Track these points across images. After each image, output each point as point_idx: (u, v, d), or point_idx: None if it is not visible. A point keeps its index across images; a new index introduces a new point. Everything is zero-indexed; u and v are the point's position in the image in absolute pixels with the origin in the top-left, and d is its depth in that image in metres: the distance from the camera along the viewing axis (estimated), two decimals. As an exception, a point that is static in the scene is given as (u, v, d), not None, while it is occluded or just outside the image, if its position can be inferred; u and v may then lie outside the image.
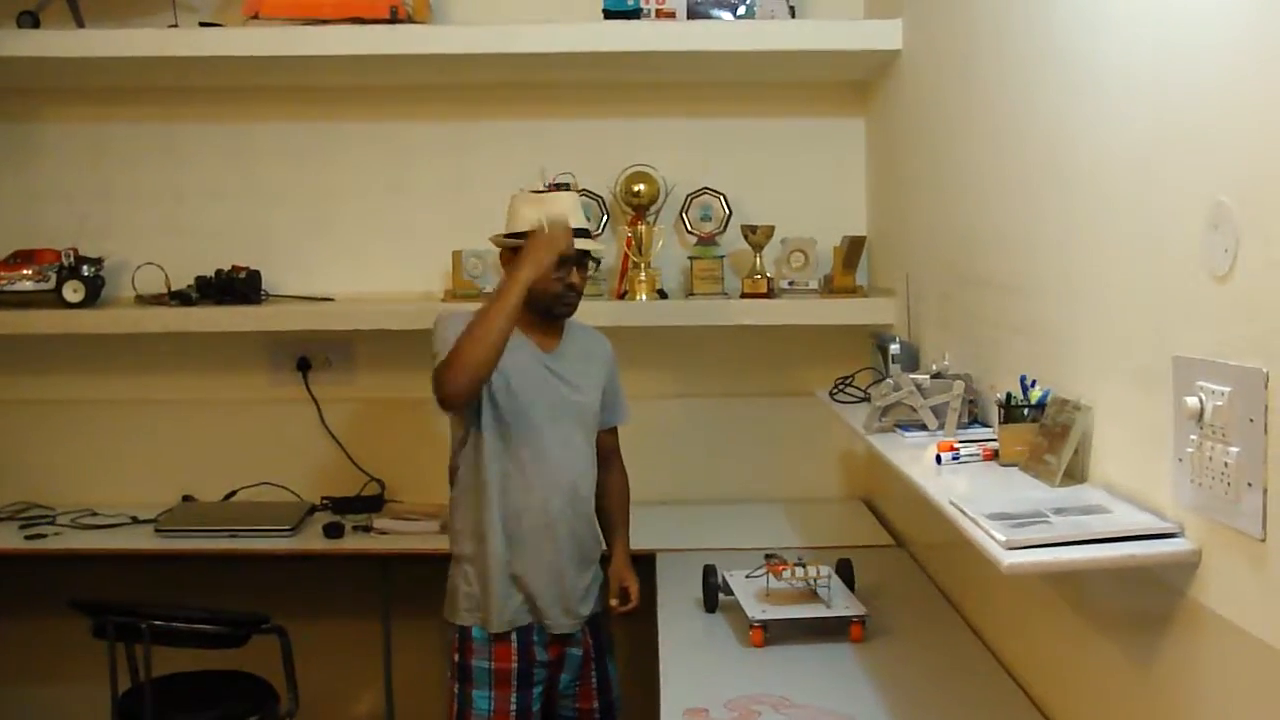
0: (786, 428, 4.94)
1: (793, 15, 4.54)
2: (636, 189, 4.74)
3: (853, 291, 4.61)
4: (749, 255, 4.70)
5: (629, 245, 4.68)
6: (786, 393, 4.89)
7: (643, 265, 4.65)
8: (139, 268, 4.73)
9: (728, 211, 4.81)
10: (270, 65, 4.38)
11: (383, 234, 4.89)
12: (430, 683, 4.84)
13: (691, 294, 4.71)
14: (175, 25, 4.39)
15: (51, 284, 4.58)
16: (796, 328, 4.67)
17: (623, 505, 3.88)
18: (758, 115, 4.88)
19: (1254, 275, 1.82)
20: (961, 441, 2.90)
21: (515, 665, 3.53)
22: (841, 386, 4.05)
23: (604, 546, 3.80)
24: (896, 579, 3.95)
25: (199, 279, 4.68)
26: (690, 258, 4.75)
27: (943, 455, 2.84)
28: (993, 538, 2.15)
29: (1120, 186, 2.32)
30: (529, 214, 3.55)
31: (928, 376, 3.22)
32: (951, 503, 2.43)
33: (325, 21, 4.28)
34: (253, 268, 4.71)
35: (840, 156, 4.88)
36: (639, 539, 3.91)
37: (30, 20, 4.30)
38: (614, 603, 3.73)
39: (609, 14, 4.44)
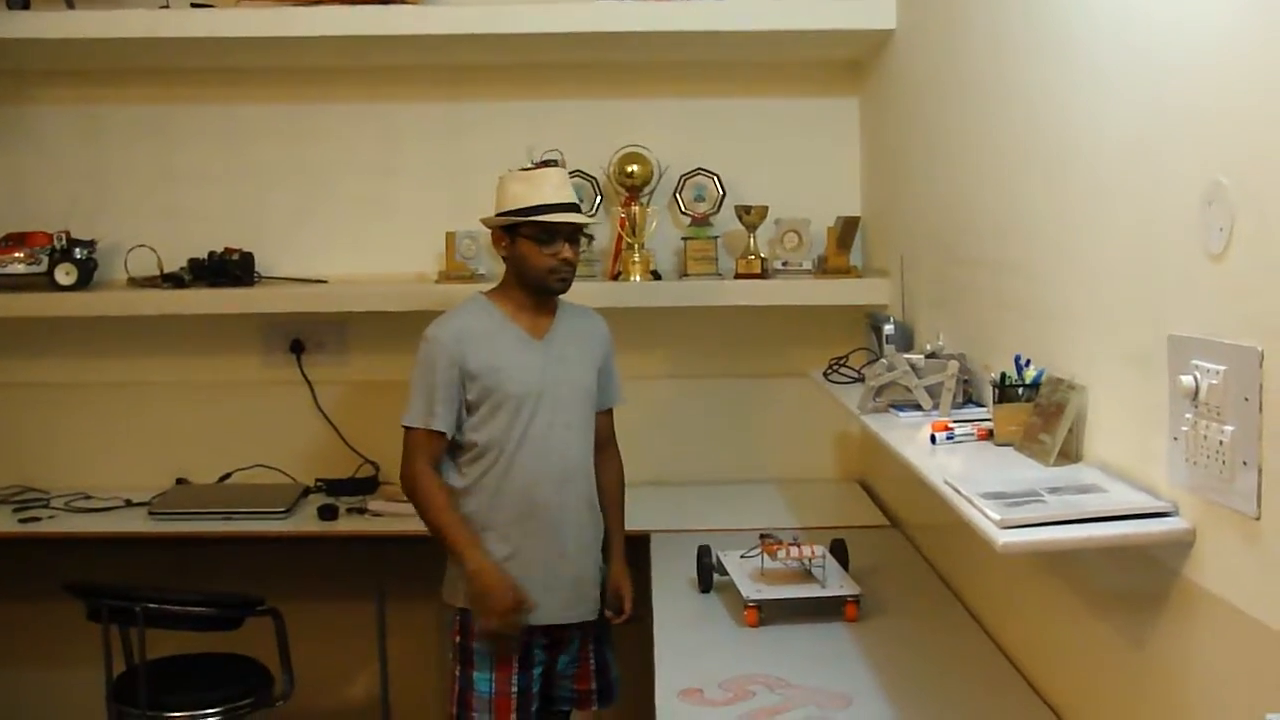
0: (781, 408, 4.94)
1: (786, -6, 4.54)
2: (630, 170, 4.73)
3: (847, 272, 4.60)
4: (743, 236, 4.69)
5: (623, 226, 4.67)
6: (781, 373, 4.89)
7: (636, 246, 4.64)
8: (131, 250, 4.72)
9: (721, 192, 4.80)
10: (262, 46, 4.36)
11: (376, 215, 4.88)
12: (425, 664, 4.85)
13: (685, 275, 4.70)
14: (166, 6, 4.36)
15: (43, 267, 4.57)
16: (790, 308, 4.67)
17: (617, 498, 3.85)
18: (752, 95, 4.87)
19: (1249, 254, 1.82)
20: (956, 421, 2.90)
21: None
22: (836, 367, 4.05)
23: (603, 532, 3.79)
24: (891, 559, 3.95)
25: (192, 261, 4.67)
26: (684, 238, 4.75)
27: (937, 435, 2.84)
28: (987, 517, 2.15)
29: (1115, 165, 2.32)
30: (516, 190, 3.54)
31: (922, 356, 3.22)
32: (946, 482, 2.43)
33: (316, 2, 4.27)
34: (245, 250, 4.70)
35: (834, 136, 4.87)
36: (633, 519, 3.91)
37: (20, 1, 4.28)
38: (608, 614, 3.74)
39: (601, -7, 4.43)
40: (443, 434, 3.52)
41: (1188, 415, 1.97)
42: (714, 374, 4.97)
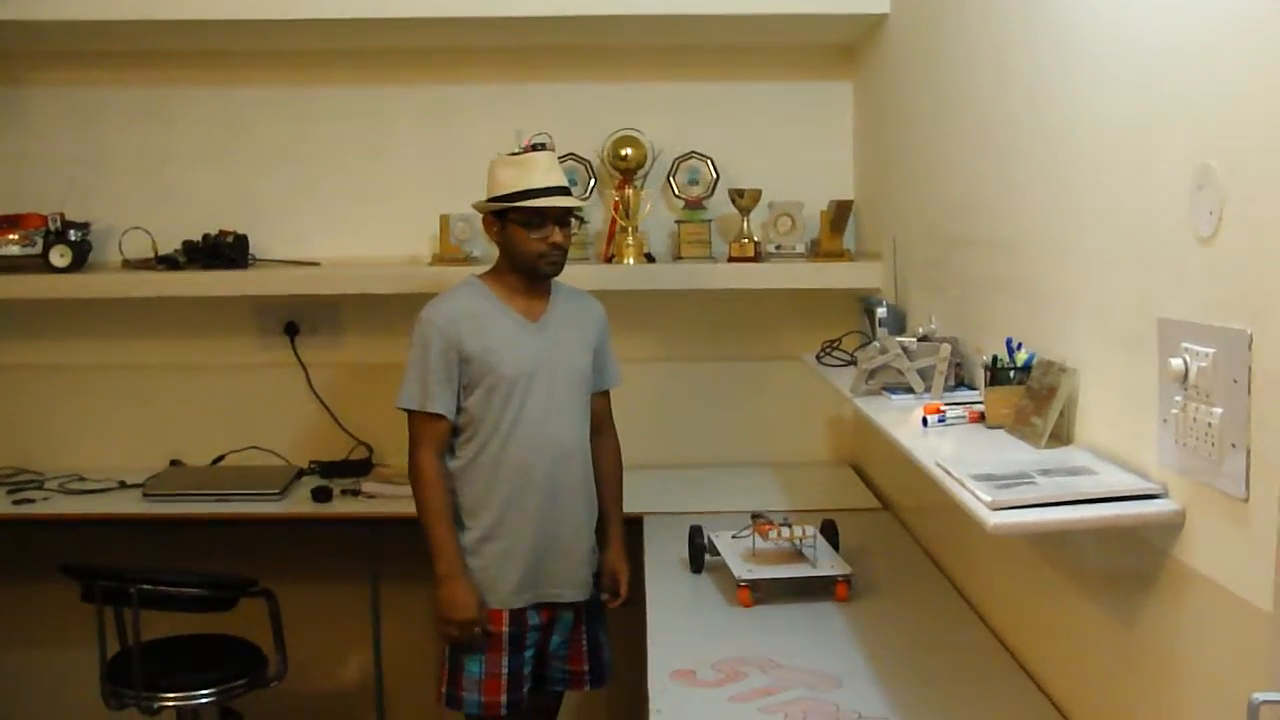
0: (773, 391, 4.95)
1: (780, -22, 4.54)
2: (624, 153, 4.74)
3: (840, 255, 4.61)
4: (736, 219, 4.70)
5: (616, 209, 4.68)
6: (773, 356, 4.90)
7: (630, 229, 4.65)
8: (126, 232, 4.72)
9: (715, 175, 4.81)
10: (255, 29, 4.36)
11: (370, 198, 4.88)
12: (418, 645, 4.86)
13: (679, 258, 4.71)
14: (160, -13, 4.36)
15: (38, 249, 4.57)
16: (783, 291, 4.68)
17: (615, 480, 3.88)
18: (745, 79, 4.88)
19: (1238, 237, 1.83)
20: (948, 404, 2.91)
21: (506, 629, 3.56)
22: (828, 350, 4.06)
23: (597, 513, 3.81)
24: (882, 540, 3.97)
25: (186, 243, 4.67)
26: (677, 221, 4.76)
27: (929, 418, 2.85)
28: (978, 498, 2.16)
29: (1106, 150, 2.33)
30: (505, 176, 3.55)
31: (914, 340, 3.23)
32: (938, 464, 2.44)
33: (311, -16, 4.27)
34: (240, 232, 4.70)
35: (828, 120, 4.88)
36: (627, 502, 3.93)
37: (14, -17, 4.28)
38: (605, 597, 3.76)
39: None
40: (442, 416, 3.53)
41: (1177, 398, 1.99)
42: (707, 357, 4.99)
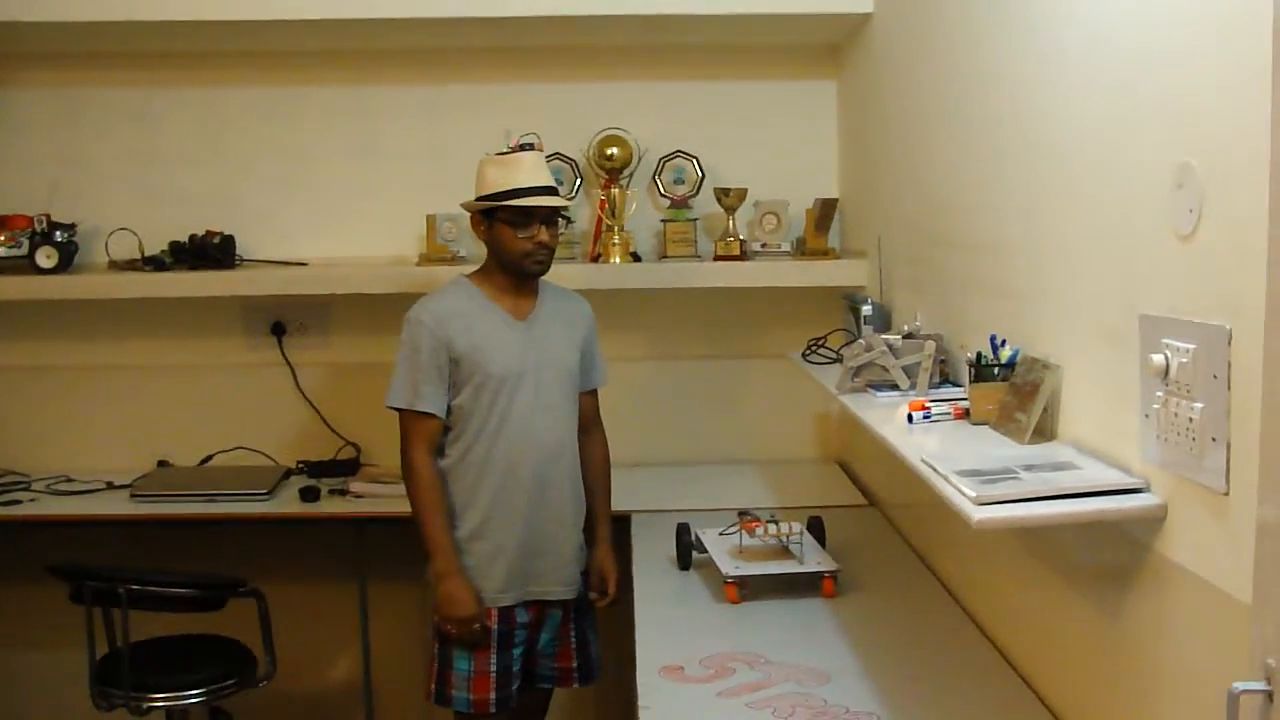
0: (760, 389, 4.97)
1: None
2: (610, 152, 4.75)
3: (825, 254, 4.63)
4: (722, 218, 4.72)
5: (602, 208, 4.69)
6: (759, 354, 4.92)
7: (616, 228, 4.67)
8: (112, 233, 4.72)
9: (700, 175, 4.82)
10: (242, 29, 4.36)
11: (357, 198, 4.89)
12: (407, 644, 4.88)
13: (665, 257, 4.73)
14: (146, -11, 4.36)
15: (24, 250, 4.57)
16: (769, 290, 4.70)
17: (603, 480, 3.89)
18: (730, 78, 4.89)
19: (1218, 234, 1.85)
20: (933, 401, 2.93)
21: (496, 627, 3.57)
22: (814, 348, 4.08)
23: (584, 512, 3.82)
24: (869, 536, 3.99)
25: (173, 244, 4.68)
26: (663, 221, 4.78)
27: (914, 414, 2.88)
28: (963, 494, 2.18)
29: (1087, 148, 2.35)
30: (492, 175, 3.57)
31: (899, 337, 3.25)
32: (923, 460, 2.46)
33: (296, -15, 4.27)
34: (227, 232, 4.71)
35: (812, 119, 4.90)
36: (614, 500, 3.94)
37: (-1, -15, 4.28)
38: (593, 596, 3.78)
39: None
40: (433, 415, 3.54)
41: (1159, 393, 2.01)
42: (693, 355, 5.00)
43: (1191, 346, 1.90)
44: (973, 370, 2.79)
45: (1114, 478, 2.18)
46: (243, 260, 4.76)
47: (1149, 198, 2.05)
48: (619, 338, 4.67)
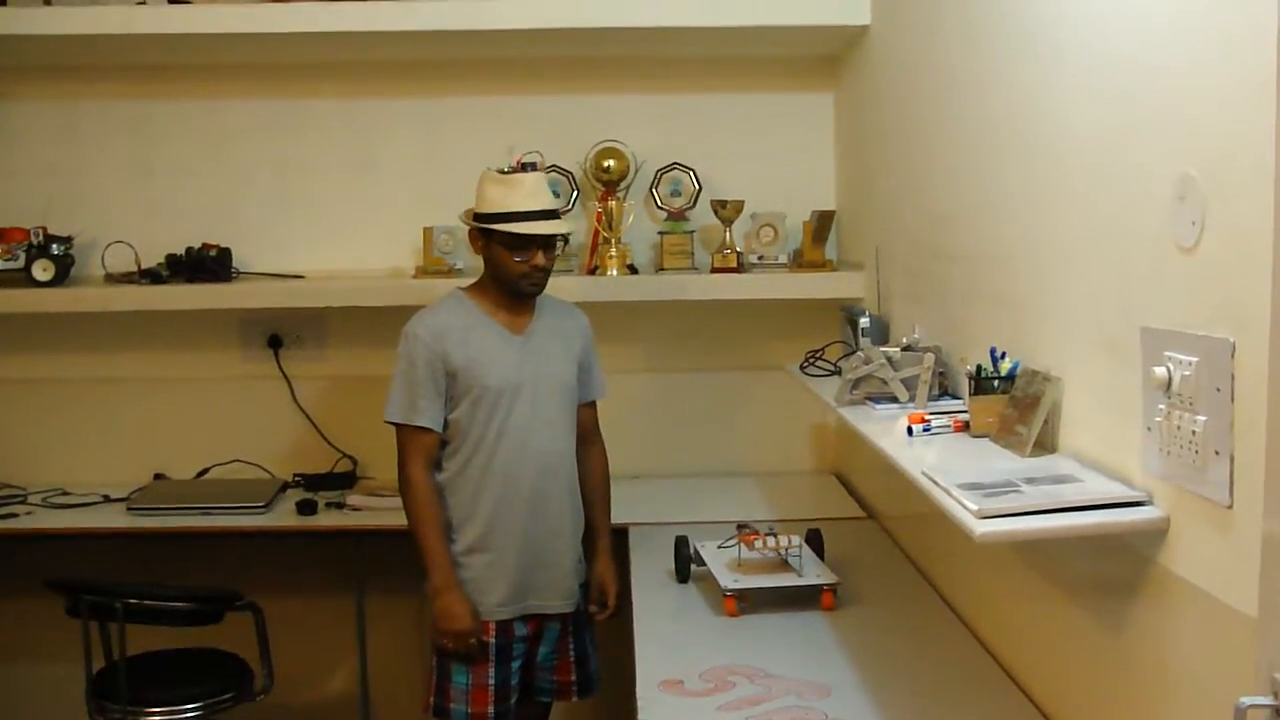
0: (757, 402, 4.97)
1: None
2: (606, 165, 4.75)
3: (822, 266, 4.62)
4: (719, 230, 4.72)
5: (599, 221, 4.69)
6: (757, 367, 4.92)
7: (613, 241, 4.66)
8: (109, 246, 4.71)
9: (697, 187, 4.82)
10: (239, 42, 4.37)
11: (354, 211, 4.89)
12: (405, 657, 4.87)
13: (661, 269, 4.72)
14: (143, 2, 4.36)
15: (20, 263, 4.56)
16: (766, 302, 4.70)
17: (602, 492, 3.88)
18: (728, 91, 4.89)
19: (1220, 247, 1.85)
20: (932, 413, 2.93)
21: (494, 640, 3.57)
22: (812, 360, 4.08)
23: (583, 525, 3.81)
24: (867, 549, 3.99)
25: (169, 257, 4.67)
26: (660, 233, 4.77)
27: (914, 427, 2.87)
28: (965, 507, 2.18)
29: (1088, 160, 2.35)
30: (492, 194, 3.55)
31: (898, 349, 3.25)
32: (923, 473, 2.45)
33: (294, -2, 4.28)
34: (223, 245, 4.71)
35: (809, 131, 4.90)
36: (613, 513, 3.93)
37: (-5, -2, 4.28)
38: (593, 609, 3.77)
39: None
40: (430, 429, 3.54)
41: (1161, 406, 2.01)
42: (690, 367, 5.00)
43: (1194, 359, 1.90)
44: (973, 383, 2.78)
45: (1116, 491, 2.17)
46: (239, 273, 4.75)
47: (1150, 209, 2.04)
48: (616, 350, 4.66)
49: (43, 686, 4.90)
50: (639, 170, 4.80)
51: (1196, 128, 1.91)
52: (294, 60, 4.74)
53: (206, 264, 4.63)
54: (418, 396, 3.53)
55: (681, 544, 3.70)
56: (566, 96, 4.87)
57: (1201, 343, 1.88)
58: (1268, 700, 1.65)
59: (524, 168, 3.62)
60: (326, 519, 4.46)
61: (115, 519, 4.46)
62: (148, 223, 4.80)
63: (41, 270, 4.55)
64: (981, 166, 3.04)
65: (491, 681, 3.56)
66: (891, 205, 4.00)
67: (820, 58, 4.84)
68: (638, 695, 2.90)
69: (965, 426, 2.83)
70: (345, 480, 4.79)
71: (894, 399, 3.20)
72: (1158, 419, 2.02)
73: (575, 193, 4.82)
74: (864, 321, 3.92)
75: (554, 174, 4.71)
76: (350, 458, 4.88)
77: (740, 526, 3.60)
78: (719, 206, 4.67)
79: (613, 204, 4.68)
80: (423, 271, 4.63)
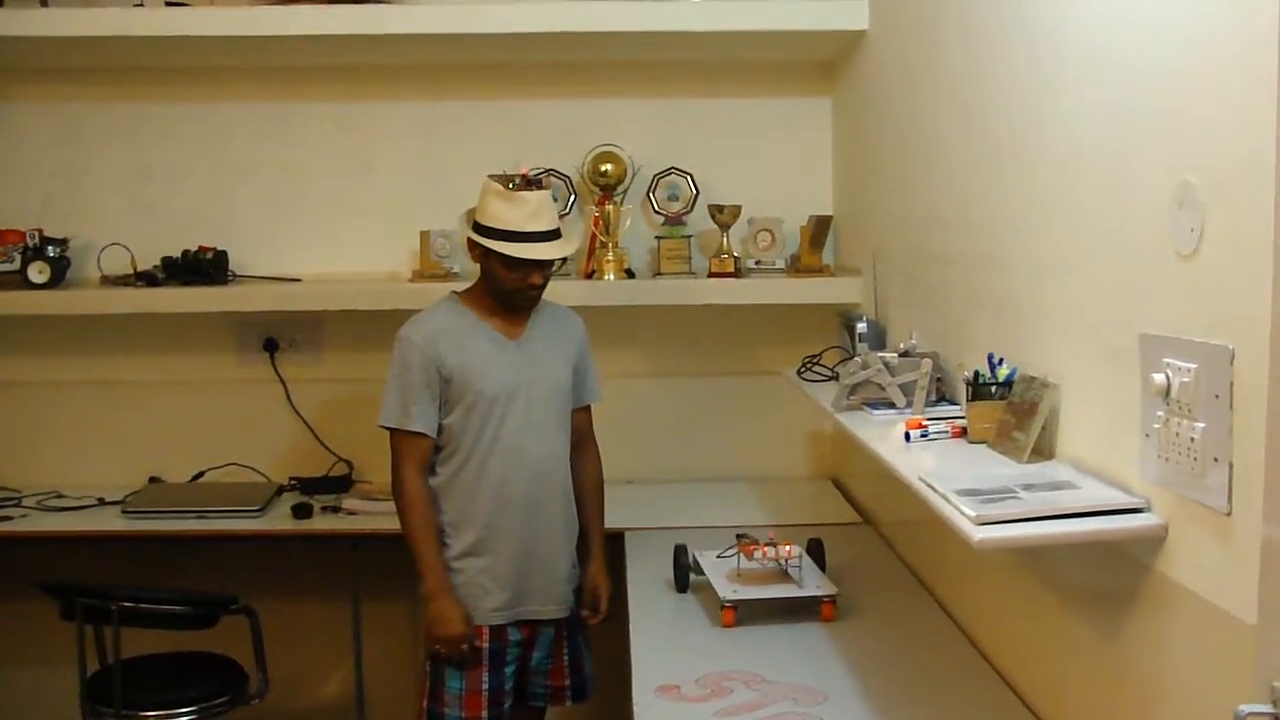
0: (754, 407, 4.96)
1: (760, -5, 4.56)
2: (604, 169, 4.75)
3: (819, 271, 4.63)
4: (716, 235, 4.72)
5: (596, 225, 4.69)
6: (754, 372, 4.91)
7: (610, 245, 4.66)
8: (105, 248, 4.71)
9: (695, 191, 4.82)
10: (237, 45, 4.36)
11: (350, 214, 4.88)
12: (399, 662, 4.86)
13: (659, 274, 4.72)
14: (141, 5, 4.35)
15: (16, 265, 4.56)
16: (763, 307, 4.70)
17: (597, 496, 3.87)
18: (725, 95, 4.89)
19: (1220, 254, 1.84)
20: (930, 419, 2.92)
21: (487, 646, 3.56)
22: (809, 365, 4.07)
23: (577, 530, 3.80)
24: (864, 555, 3.98)
25: (165, 259, 4.66)
26: (657, 237, 4.77)
27: (911, 433, 2.86)
28: (963, 513, 2.17)
29: (1087, 165, 2.35)
30: (494, 208, 3.52)
31: (895, 354, 3.25)
32: (921, 479, 2.45)
33: (292, 1, 4.26)
34: (219, 248, 4.70)
35: (807, 136, 4.90)
36: (608, 517, 3.91)
37: (-7, 0, 4.27)
38: (585, 613, 3.76)
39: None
40: (424, 434, 3.53)
41: (1159, 413, 2.00)
42: (687, 372, 4.99)
43: (1193, 366, 1.90)
44: (970, 388, 2.78)
45: (1114, 497, 2.17)
46: (235, 276, 4.74)
47: (1149, 216, 2.04)
48: (613, 355, 4.66)
49: (36, 690, 4.89)
50: (636, 174, 4.80)
51: (1196, 134, 1.91)
52: (291, 63, 4.74)
53: (202, 267, 4.62)
54: (411, 401, 3.53)
55: (680, 553, 3.67)
56: (564, 100, 4.87)
57: (1200, 349, 1.88)
58: (1266, 709, 1.64)
59: (529, 183, 3.59)
60: (322, 523, 4.45)
61: (110, 522, 4.45)
62: (144, 225, 4.80)
63: (37, 272, 4.54)
64: (980, 171, 3.04)
65: (485, 686, 3.55)
66: (889, 210, 4.00)
67: (818, 63, 4.84)
68: (634, 700, 2.89)
69: (963, 432, 2.83)
70: (340, 484, 4.77)
71: (891, 405, 3.20)
72: (1156, 425, 2.02)
73: (572, 197, 4.81)
74: (861, 327, 3.92)
75: (551, 177, 4.70)
76: (346, 461, 4.88)
77: (740, 536, 3.58)
78: (716, 211, 4.67)
79: (610, 208, 4.68)
80: (419, 275, 4.63)
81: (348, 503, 4.55)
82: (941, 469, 2.59)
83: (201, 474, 4.87)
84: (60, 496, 4.67)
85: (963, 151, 3.18)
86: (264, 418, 4.93)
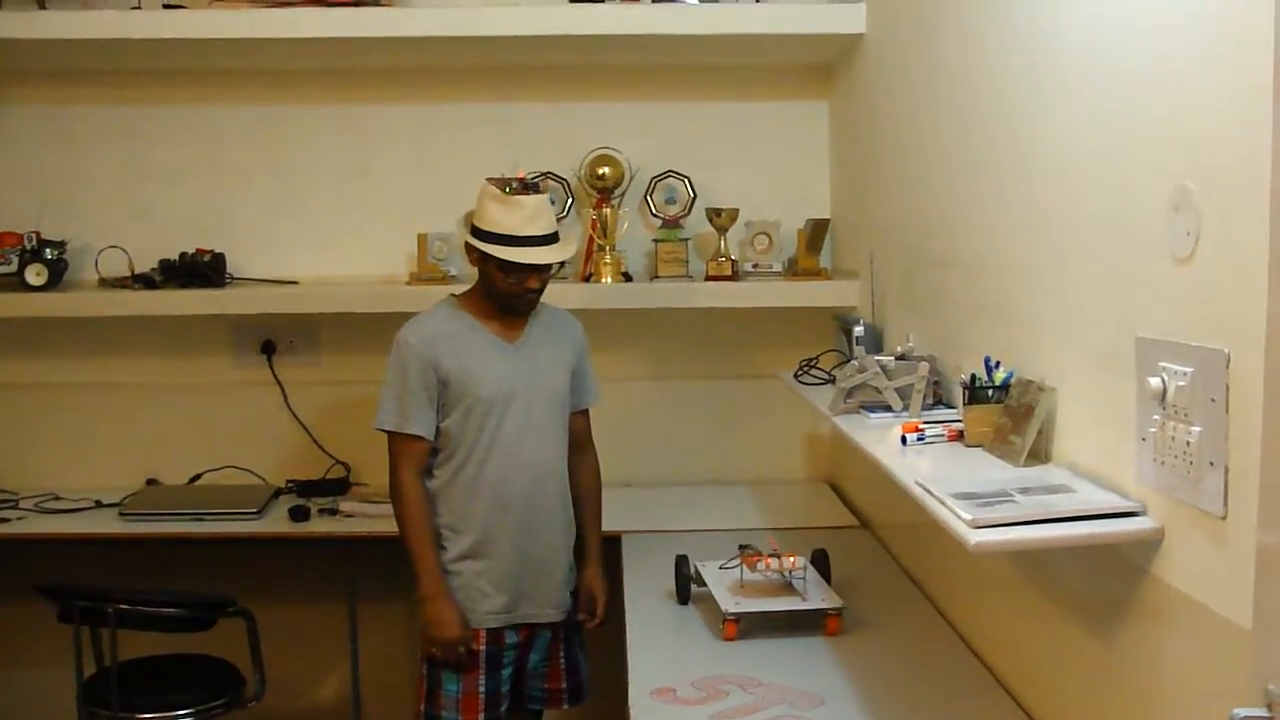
0: (751, 410, 4.96)
1: (757, -1, 4.56)
2: (601, 172, 4.75)
3: (816, 274, 4.63)
4: (713, 238, 4.72)
5: (594, 228, 4.69)
6: (751, 375, 4.92)
7: (607, 248, 4.66)
8: (102, 251, 4.71)
9: (692, 194, 4.82)
10: (234, 48, 4.35)
11: (348, 217, 4.88)
12: (396, 665, 4.86)
13: (656, 277, 4.72)
14: (138, 7, 4.35)
15: (14, 267, 4.55)
16: (761, 310, 4.70)
17: (594, 499, 3.86)
18: (722, 98, 4.90)
19: (1215, 258, 1.85)
20: (927, 422, 2.92)
21: (484, 649, 3.55)
22: (806, 368, 4.07)
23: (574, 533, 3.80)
24: (860, 558, 3.97)
25: (163, 262, 4.66)
26: (655, 241, 4.77)
27: (908, 436, 2.86)
28: (959, 517, 2.17)
29: (1084, 169, 2.35)
30: (492, 212, 3.51)
31: (892, 358, 3.25)
32: (917, 483, 2.45)
33: (290, 4, 4.26)
34: (217, 250, 4.69)
35: (804, 139, 4.90)
36: (604, 520, 3.91)
37: (-10, 2, 4.27)
38: (581, 616, 3.75)
39: (573, -3, 4.44)
40: (421, 437, 3.53)
41: (1155, 416, 2.00)
42: (684, 375, 5.00)
43: (1189, 370, 1.90)
44: (967, 392, 2.78)
45: (1110, 501, 2.17)
46: (233, 279, 4.74)
47: (1146, 220, 2.04)
48: (610, 358, 4.66)
49: (33, 692, 4.88)
50: (634, 178, 4.80)
51: (1192, 139, 1.91)
52: (289, 66, 4.74)
53: (200, 269, 4.62)
54: (409, 404, 3.53)
55: (681, 563, 3.60)
56: (561, 104, 4.87)
57: (1196, 353, 1.88)
58: (1261, 712, 1.65)
59: (526, 187, 3.59)
60: (319, 525, 4.45)
61: (107, 524, 4.45)
62: (141, 227, 4.80)
63: (35, 275, 4.54)
64: (977, 175, 3.04)
65: (482, 689, 3.55)
66: (886, 214, 4.00)
67: (816, 66, 4.84)
68: (630, 703, 2.90)
69: (959, 436, 2.83)
70: (338, 486, 4.77)
71: (888, 408, 3.19)
72: (1152, 429, 2.02)
73: (570, 200, 4.81)
74: (858, 330, 3.92)
75: (548, 179, 4.70)
76: (343, 464, 4.88)
77: (742, 548, 3.52)
78: (714, 214, 4.67)
79: (607, 211, 4.68)
80: (417, 278, 4.63)
81: (345, 505, 4.55)
82: (938, 472, 2.58)
83: (199, 476, 4.86)
84: (57, 498, 4.67)
85: (960, 155, 3.18)
86: (261, 420, 4.93)
